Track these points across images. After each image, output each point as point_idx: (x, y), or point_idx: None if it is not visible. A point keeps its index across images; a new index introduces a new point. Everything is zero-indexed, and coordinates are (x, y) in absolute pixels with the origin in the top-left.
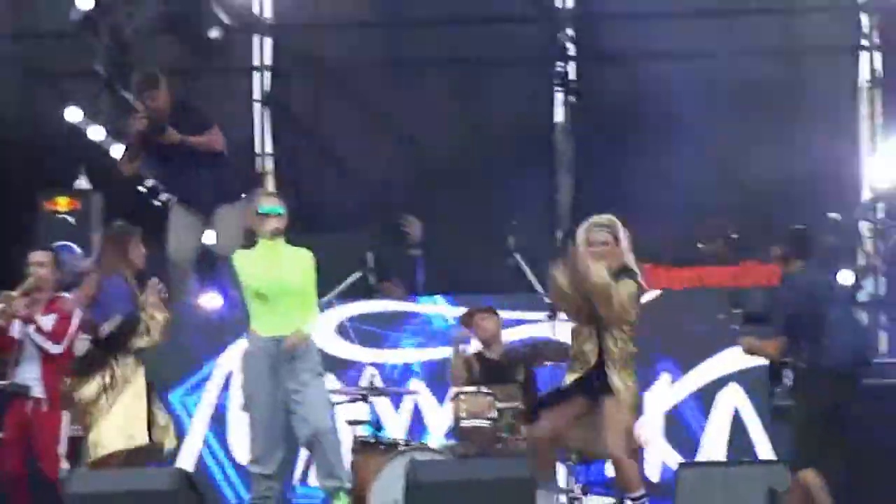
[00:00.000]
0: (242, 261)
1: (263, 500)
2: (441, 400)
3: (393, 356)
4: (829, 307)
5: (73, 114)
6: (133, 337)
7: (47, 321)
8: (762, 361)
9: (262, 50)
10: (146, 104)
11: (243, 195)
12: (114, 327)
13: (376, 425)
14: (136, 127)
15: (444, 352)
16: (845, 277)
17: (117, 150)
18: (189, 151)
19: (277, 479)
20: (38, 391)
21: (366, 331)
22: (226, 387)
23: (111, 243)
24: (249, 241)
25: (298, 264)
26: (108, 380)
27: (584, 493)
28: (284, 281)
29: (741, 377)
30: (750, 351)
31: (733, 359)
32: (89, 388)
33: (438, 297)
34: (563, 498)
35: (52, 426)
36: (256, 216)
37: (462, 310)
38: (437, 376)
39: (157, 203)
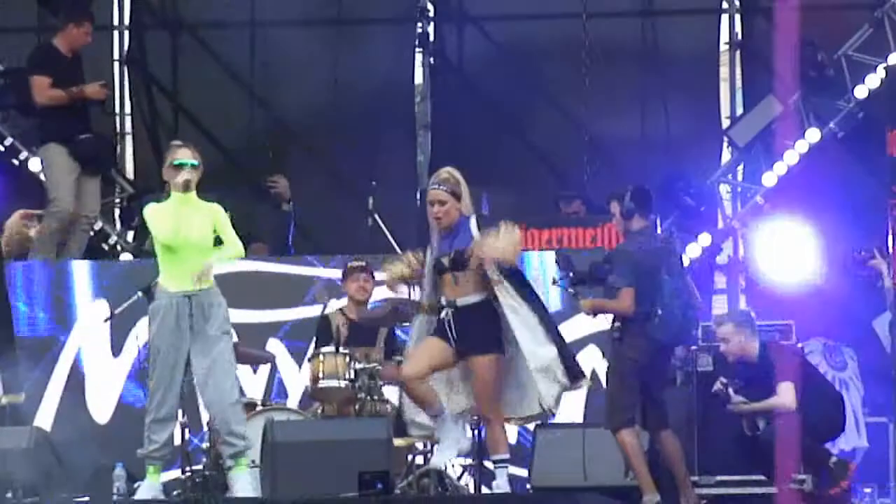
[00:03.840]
0: (152, 214)
1: (159, 450)
2: (299, 361)
3: (254, 316)
4: (667, 272)
5: None
6: None
7: None
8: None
9: (122, 9)
10: None
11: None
12: None
13: None
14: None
15: (304, 312)
16: (704, 240)
17: None
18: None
19: (171, 434)
20: None
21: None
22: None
23: None
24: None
25: (209, 217)
26: None
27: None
28: (193, 235)
29: (599, 339)
30: (595, 311)
31: (590, 321)
32: None
33: (307, 258)
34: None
35: None
36: (171, 167)
37: (329, 271)
38: (295, 337)
39: (15, 162)
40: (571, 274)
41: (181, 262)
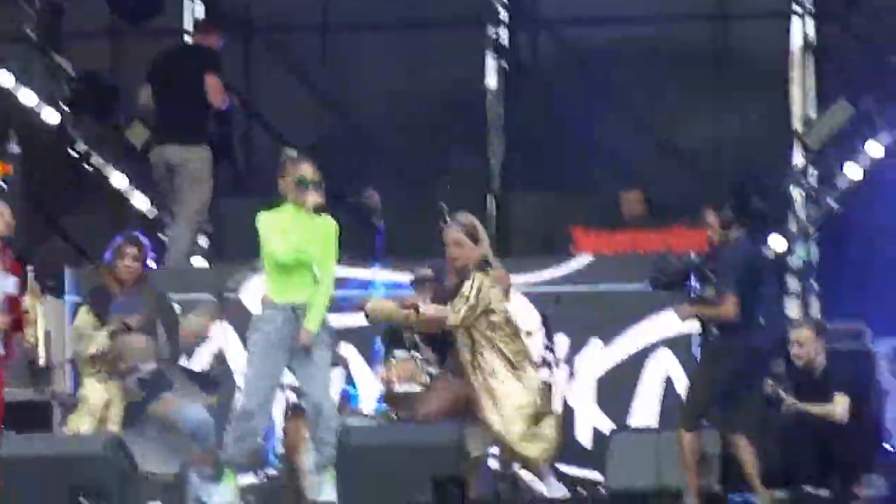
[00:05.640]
0: (267, 225)
1: (242, 458)
2: (373, 365)
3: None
4: (763, 281)
5: (3, 78)
6: None
7: None
8: (693, 326)
9: (193, 12)
10: None
11: None
12: None
13: None
14: None
15: None
16: (776, 243)
17: (49, 115)
18: None
19: (255, 444)
20: None
21: None
22: None
23: None
24: None
25: (321, 235)
26: None
27: None
28: (305, 253)
29: (672, 342)
30: (693, 316)
31: (664, 324)
32: None
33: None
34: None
35: None
36: (293, 184)
37: (400, 275)
38: (369, 342)
39: (88, 168)
40: (664, 277)
41: (288, 275)
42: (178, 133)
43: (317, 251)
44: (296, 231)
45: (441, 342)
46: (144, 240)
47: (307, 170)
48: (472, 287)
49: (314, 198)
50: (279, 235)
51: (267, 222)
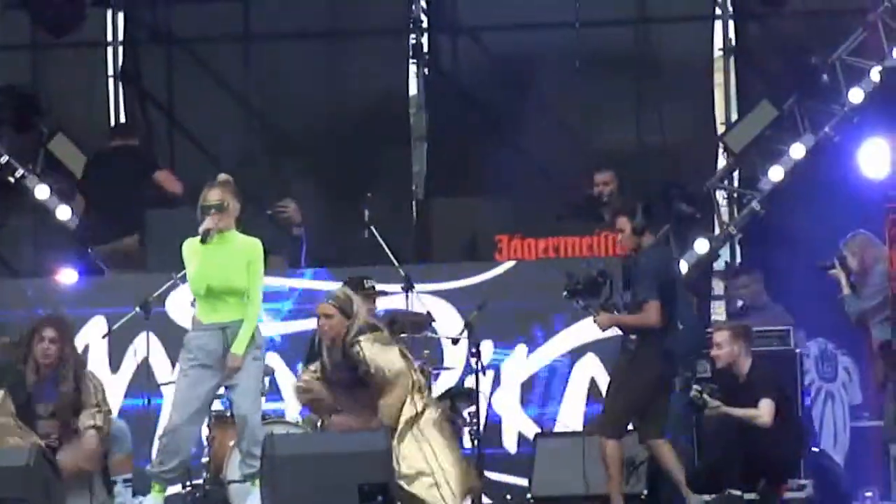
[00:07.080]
0: (186, 252)
1: (169, 474)
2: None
3: None
4: (677, 286)
5: None
6: None
7: None
8: (617, 332)
9: (115, 24)
10: None
11: None
12: None
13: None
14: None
15: (302, 325)
16: (701, 246)
17: None
18: None
19: (183, 461)
20: None
21: None
22: None
23: None
24: None
25: (244, 259)
26: None
27: None
28: (227, 281)
29: (598, 347)
30: (614, 325)
31: (590, 329)
32: None
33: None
34: None
35: None
36: (200, 210)
37: (322, 283)
38: (294, 350)
39: (10, 180)
40: (580, 286)
41: (215, 299)
42: (127, 227)
43: (239, 274)
44: (212, 259)
45: None
46: (65, 319)
47: (209, 196)
48: (364, 359)
49: (204, 225)
50: (193, 264)
51: (186, 249)
